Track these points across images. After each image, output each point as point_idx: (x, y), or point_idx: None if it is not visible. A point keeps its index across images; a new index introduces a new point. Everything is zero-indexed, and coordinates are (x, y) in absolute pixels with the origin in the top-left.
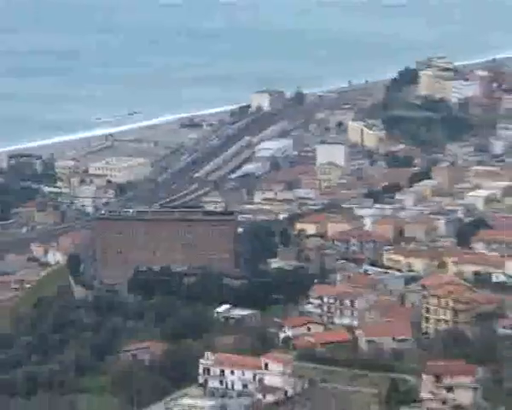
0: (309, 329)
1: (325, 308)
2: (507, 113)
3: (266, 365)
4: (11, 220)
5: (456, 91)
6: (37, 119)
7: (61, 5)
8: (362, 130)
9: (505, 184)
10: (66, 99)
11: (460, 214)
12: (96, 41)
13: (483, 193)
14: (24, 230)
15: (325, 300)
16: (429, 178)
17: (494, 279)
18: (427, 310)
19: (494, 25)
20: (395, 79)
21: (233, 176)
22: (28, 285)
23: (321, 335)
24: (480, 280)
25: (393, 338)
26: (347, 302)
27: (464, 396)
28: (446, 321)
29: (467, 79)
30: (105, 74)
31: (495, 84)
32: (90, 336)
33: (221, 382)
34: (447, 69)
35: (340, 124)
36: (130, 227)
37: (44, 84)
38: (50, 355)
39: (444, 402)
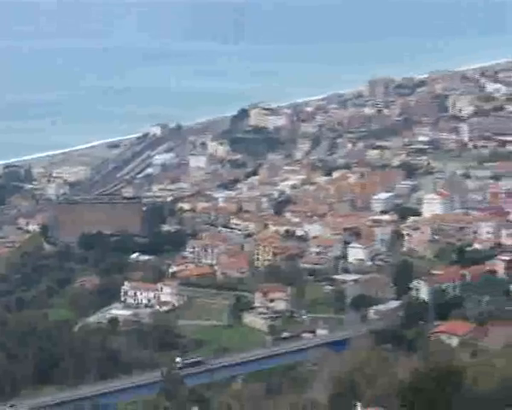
0: (186, 266)
1: (196, 254)
2: (302, 134)
3: (161, 288)
4: (6, 205)
5: (272, 122)
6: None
7: None
8: (216, 146)
9: (302, 177)
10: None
11: (276, 196)
12: None
13: (289, 183)
14: (14, 211)
15: (196, 249)
16: (257, 174)
17: (297, 234)
18: (257, 253)
19: (295, 82)
20: (236, 115)
21: (139, 175)
22: (17, 244)
23: (193, 269)
24: (289, 236)
25: (237, 270)
26: (209, 250)
27: (280, 305)
28: (269, 260)
29: (279, 114)
30: None
31: (295, 117)
32: (55, 273)
33: (134, 299)
34: (266, 109)
35: (203, 143)
36: (78, 207)
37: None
38: (30, 286)
39: (267, 308)
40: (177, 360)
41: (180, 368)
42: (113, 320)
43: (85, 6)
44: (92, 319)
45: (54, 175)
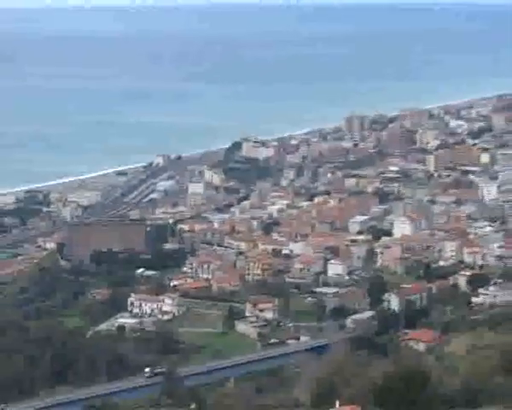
0: (185, 280)
1: (194, 269)
2: (288, 164)
3: (163, 299)
4: (26, 226)
5: (262, 153)
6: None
7: None
8: (212, 175)
9: (288, 202)
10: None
11: (264, 218)
12: None
13: (276, 207)
14: (33, 231)
15: (194, 265)
16: (248, 199)
17: (283, 252)
18: (248, 269)
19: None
20: (229, 147)
21: (144, 200)
22: (36, 260)
23: (191, 283)
24: (276, 253)
25: (230, 284)
26: (206, 266)
27: (268, 314)
28: (258, 275)
29: (267, 147)
30: None
31: (281, 149)
32: (70, 286)
33: (139, 309)
34: (256, 142)
35: (200, 172)
36: (90, 228)
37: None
38: (48, 298)
39: (257, 317)
40: (146, 370)
41: (148, 377)
42: (121, 328)
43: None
44: (102, 326)
45: (68, 200)
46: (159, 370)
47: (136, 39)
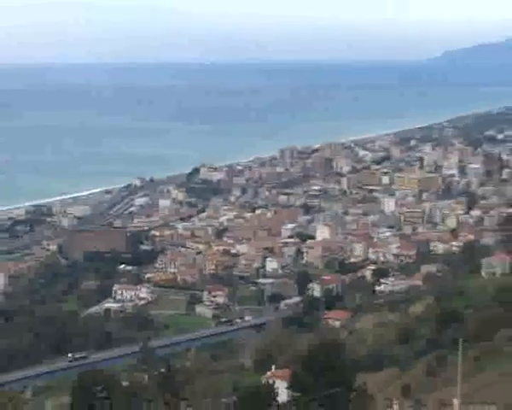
0: (157, 274)
1: (163, 265)
2: (235, 185)
3: (140, 288)
4: (34, 232)
5: (215, 176)
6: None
7: None
8: (177, 193)
9: (235, 213)
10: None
11: (217, 226)
12: None
13: (226, 217)
14: (39, 236)
15: (163, 262)
16: (204, 212)
17: (232, 252)
18: (205, 265)
19: (225, 149)
20: (190, 172)
21: (125, 212)
22: (42, 259)
23: (162, 276)
24: (226, 253)
25: (191, 276)
26: (172, 262)
27: (220, 300)
28: (213, 269)
29: (219, 171)
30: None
31: (230, 173)
32: (67, 279)
33: (121, 296)
34: (211, 167)
35: (168, 190)
36: (83, 234)
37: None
38: (50, 288)
39: (212, 302)
40: (69, 355)
41: (70, 361)
42: (107, 310)
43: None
44: (92, 309)
45: (67, 212)
46: (79, 355)
47: (121, 89)
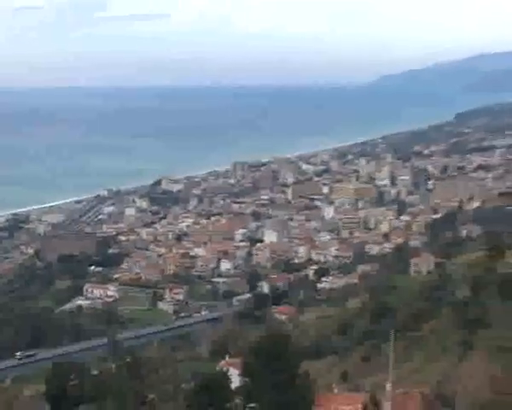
0: (123, 274)
1: (129, 266)
2: (193, 195)
3: (108, 287)
4: (13, 238)
5: (175, 187)
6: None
7: None
8: (141, 202)
9: (193, 220)
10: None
11: (177, 232)
12: None
13: (185, 224)
14: (18, 241)
15: (129, 263)
16: (166, 219)
17: (190, 254)
18: (166, 265)
19: (184, 163)
20: (153, 183)
21: (94, 219)
22: (20, 261)
23: (128, 276)
24: (185, 255)
25: (154, 276)
26: (137, 264)
27: (180, 297)
28: (173, 269)
29: (179, 183)
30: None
31: (188, 185)
32: (43, 279)
33: (92, 294)
34: (171, 179)
35: (133, 200)
36: (57, 239)
37: None
38: (28, 287)
39: (172, 298)
40: (18, 354)
41: (19, 359)
42: (79, 307)
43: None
44: (66, 306)
45: (42, 219)
46: (28, 354)
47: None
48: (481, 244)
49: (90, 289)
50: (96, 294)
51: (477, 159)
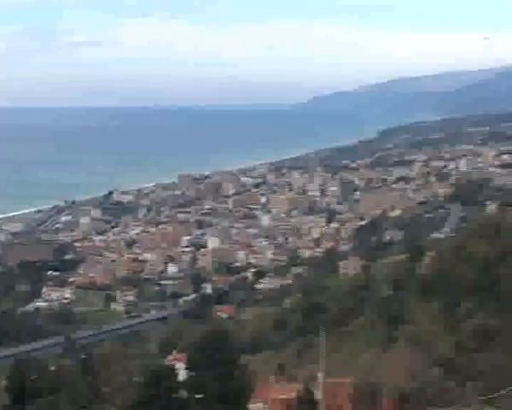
0: (79, 278)
1: (84, 270)
2: (142, 205)
3: (65, 290)
4: None
5: (126, 198)
6: None
7: None
8: (95, 212)
9: (142, 228)
10: None
11: (127, 239)
12: None
13: (135, 231)
14: None
15: (83, 267)
16: (118, 227)
17: (140, 259)
18: (118, 269)
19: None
20: (105, 194)
21: (52, 228)
22: None
23: (83, 279)
24: (135, 260)
25: (107, 279)
26: (92, 268)
27: (130, 298)
28: (125, 273)
29: (129, 194)
30: None
31: (138, 196)
32: (5, 283)
33: (49, 296)
34: (122, 191)
35: (88, 210)
36: (18, 246)
37: None
38: None
39: (123, 300)
40: None
41: None
42: (38, 308)
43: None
44: (26, 307)
45: (2, 228)
46: None
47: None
48: (402, 248)
49: (47, 292)
50: (54, 296)
51: (398, 172)
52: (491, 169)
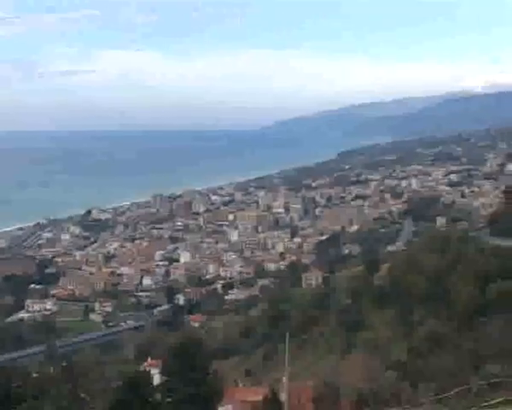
0: (60, 290)
1: (65, 284)
2: (119, 222)
3: (47, 302)
4: None
5: (103, 216)
6: None
7: None
8: (75, 228)
9: (119, 243)
10: None
11: (106, 253)
12: None
13: (113, 246)
14: None
15: (64, 281)
16: (96, 243)
17: (117, 273)
18: (97, 282)
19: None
20: (85, 213)
21: (35, 244)
22: None
23: (63, 292)
24: (113, 273)
25: (86, 291)
26: (72, 281)
27: (108, 309)
28: (103, 285)
29: (107, 212)
30: None
31: (115, 213)
32: None
33: (32, 308)
34: (100, 209)
35: (68, 227)
36: (2, 261)
37: None
38: None
39: (102, 310)
40: None
41: None
42: (21, 319)
43: None
44: (10, 318)
45: None
46: None
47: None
48: (360, 260)
49: (30, 304)
50: (36, 308)
51: (355, 190)
52: (440, 187)
